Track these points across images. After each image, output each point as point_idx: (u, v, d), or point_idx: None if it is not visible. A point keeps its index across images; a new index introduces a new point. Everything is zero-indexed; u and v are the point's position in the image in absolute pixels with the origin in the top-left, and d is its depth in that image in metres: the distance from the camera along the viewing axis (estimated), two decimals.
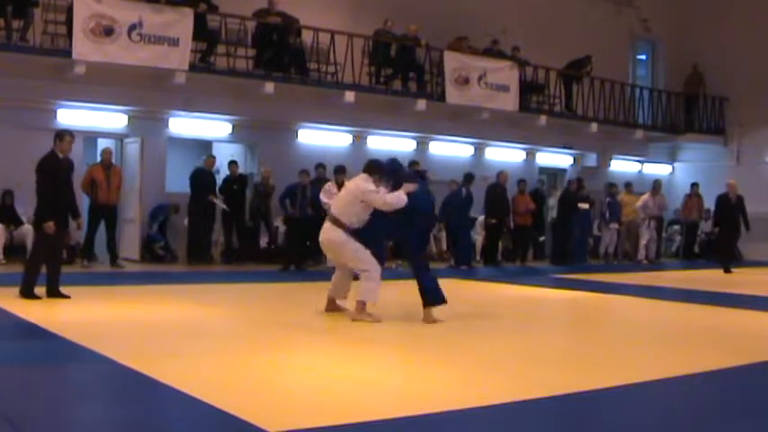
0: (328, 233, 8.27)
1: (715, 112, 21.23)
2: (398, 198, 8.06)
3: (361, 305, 8.01)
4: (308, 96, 15.30)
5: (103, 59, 12.74)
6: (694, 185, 19.11)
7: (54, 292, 8.73)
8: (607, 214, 17.73)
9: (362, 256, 8.10)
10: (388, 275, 12.85)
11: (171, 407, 4.65)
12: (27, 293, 8.58)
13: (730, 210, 15.66)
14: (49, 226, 8.52)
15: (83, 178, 12.96)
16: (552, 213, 17.78)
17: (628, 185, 18.55)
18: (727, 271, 15.48)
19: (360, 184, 8.28)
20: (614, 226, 17.69)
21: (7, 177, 12.68)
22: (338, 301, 8.48)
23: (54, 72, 12.97)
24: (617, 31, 21.02)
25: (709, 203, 19.57)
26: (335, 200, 8.93)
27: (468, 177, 15.51)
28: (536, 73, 18.06)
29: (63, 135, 8.78)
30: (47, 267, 8.79)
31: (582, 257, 17.10)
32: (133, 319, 7.85)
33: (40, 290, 8.64)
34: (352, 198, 8.22)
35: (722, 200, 15.85)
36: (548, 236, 18.21)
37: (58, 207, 8.71)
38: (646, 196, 17.85)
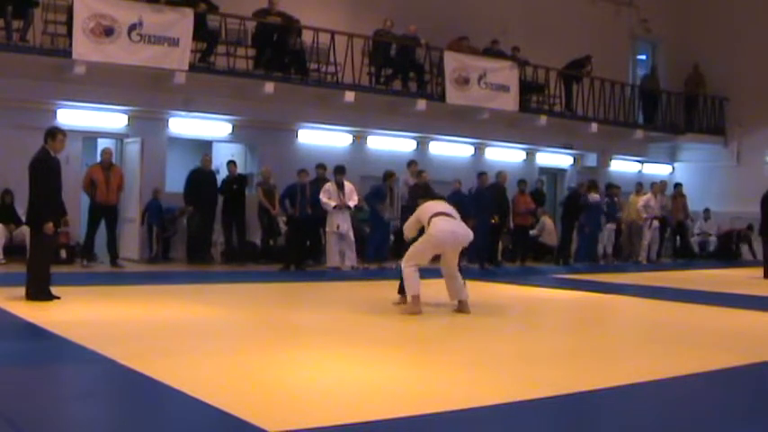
0: (466, 227, 8.60)
1: (715, 112, 21.22)
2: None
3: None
4: (308, 96, 15.30)
5: (103, 59, 12.75)
6: (678, 186, 19.37)
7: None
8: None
9: None
10: (388, 275, 12.94)
11: (170, 407, 4.64)
12: (46, 295, 8.33)
13: None
14: (49, 227, 8.32)
15: (83, 178, 13.01)
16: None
17: (639, 186, 18.54)
18: None
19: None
20: (611, 226, 17.64)
21: (7, 177, 12.67)
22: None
23: (54, 72, 12.97)
24: (617, 31, 21.02)
25: (709, 204, 19.64)
26: (444, 206, 8.75)
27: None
28: (536, 73, 18.04)
29: (56, 133, 8.43)
30: (28, 267, 8.50)
31: (589, 256, 17.00)
32: (133, 319, 7.84)
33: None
34: None
35: None
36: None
37: (54, 207, 8.48)
38: (647, 196, 17.84)
